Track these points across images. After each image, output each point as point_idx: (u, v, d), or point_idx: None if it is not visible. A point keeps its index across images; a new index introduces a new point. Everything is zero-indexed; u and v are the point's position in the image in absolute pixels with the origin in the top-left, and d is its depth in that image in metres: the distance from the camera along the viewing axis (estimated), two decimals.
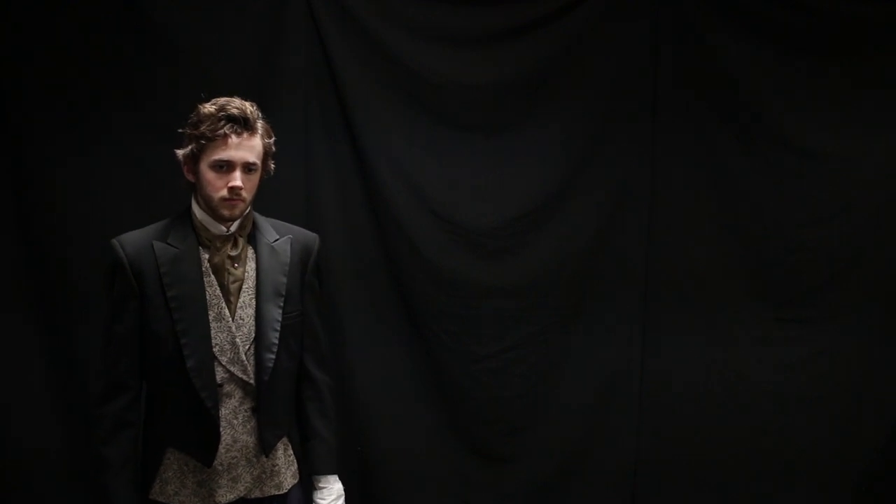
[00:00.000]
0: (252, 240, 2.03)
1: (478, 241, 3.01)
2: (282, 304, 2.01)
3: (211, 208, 1.93)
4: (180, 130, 1.97)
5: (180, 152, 1.95)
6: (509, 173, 3.01)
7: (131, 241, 1.95)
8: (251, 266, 2.01)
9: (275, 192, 2.31)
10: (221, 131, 1.87)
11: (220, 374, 1.95)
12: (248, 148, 1.91)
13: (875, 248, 3.11)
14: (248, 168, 1.93)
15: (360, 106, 2.87)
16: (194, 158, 1.92)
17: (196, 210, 1.98)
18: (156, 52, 2.72)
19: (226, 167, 1.90)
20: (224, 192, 1.90)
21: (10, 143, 2.67)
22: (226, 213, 1.93)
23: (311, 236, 2.16)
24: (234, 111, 1.89)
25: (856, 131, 3.09)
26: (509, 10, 2.97)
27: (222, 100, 1.93)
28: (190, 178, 1.97)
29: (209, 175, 1.91)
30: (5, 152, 2.67)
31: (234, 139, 1.89)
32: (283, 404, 2.09)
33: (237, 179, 1.90)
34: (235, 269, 1.99)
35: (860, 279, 3.11)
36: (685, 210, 3.09)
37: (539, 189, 3.04)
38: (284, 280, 2.03)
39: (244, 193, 1.92)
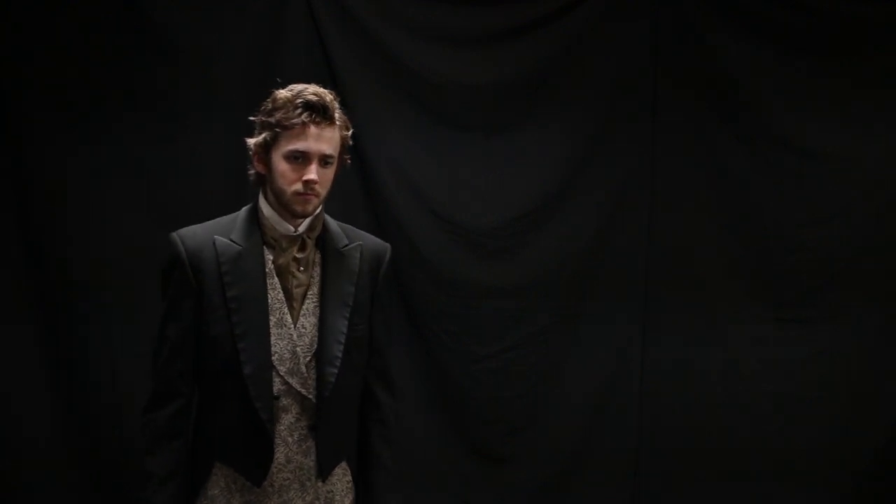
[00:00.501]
0: (320, 243, 1.87)
1: (478, 241, 3.01)
2: (348, 315, 1.84)
3: (282, 203, 1.77)
4: (252, 118, 1.81)
5: (251, 141, 1.79)
6: (509, 173, 3.02)
7: (192, 235, 1.80)
8: (317, 271, 1.85)
9: None
10: (298, 119, 1.71)
11: (277, 386, 1.78)
12: (327, 139, 1.75)
13: (875, 248, 3.11)
14: (324, 161, 1.76)
15: (360, 106, 2.87)
16: (266, 148, 1.76)
17: (263, 206, 1.82)
18: (156, 52, 2.72)
19: (301, 158, 1.73)
20: (298, 186, 1.73)
21: (10, 143, 2.67)
22: (298, 208, 1.76)
23: (381, 245, 1.97)
24: (313, 98, 1.73)
25: (856, 131, 3.09)
26: (509, 10, 2.97)
27: (299, 86, 1.76)
28: (260, 168, 1.80)
29: (282, 166, 1.74)
30: (5, 152, 2.67)
31: (312, 129, 1.72)
32: (343, 425, 1.90)
33: (313, 172, 1.73)
34: (301, 272, 1.83)
35: (860, 279, 3.11)
36: (685, 210, 3.09)
37: (539, 189, 3.04)
38: (352, 290, 1.86)
39: (318, 188, 1.75)
